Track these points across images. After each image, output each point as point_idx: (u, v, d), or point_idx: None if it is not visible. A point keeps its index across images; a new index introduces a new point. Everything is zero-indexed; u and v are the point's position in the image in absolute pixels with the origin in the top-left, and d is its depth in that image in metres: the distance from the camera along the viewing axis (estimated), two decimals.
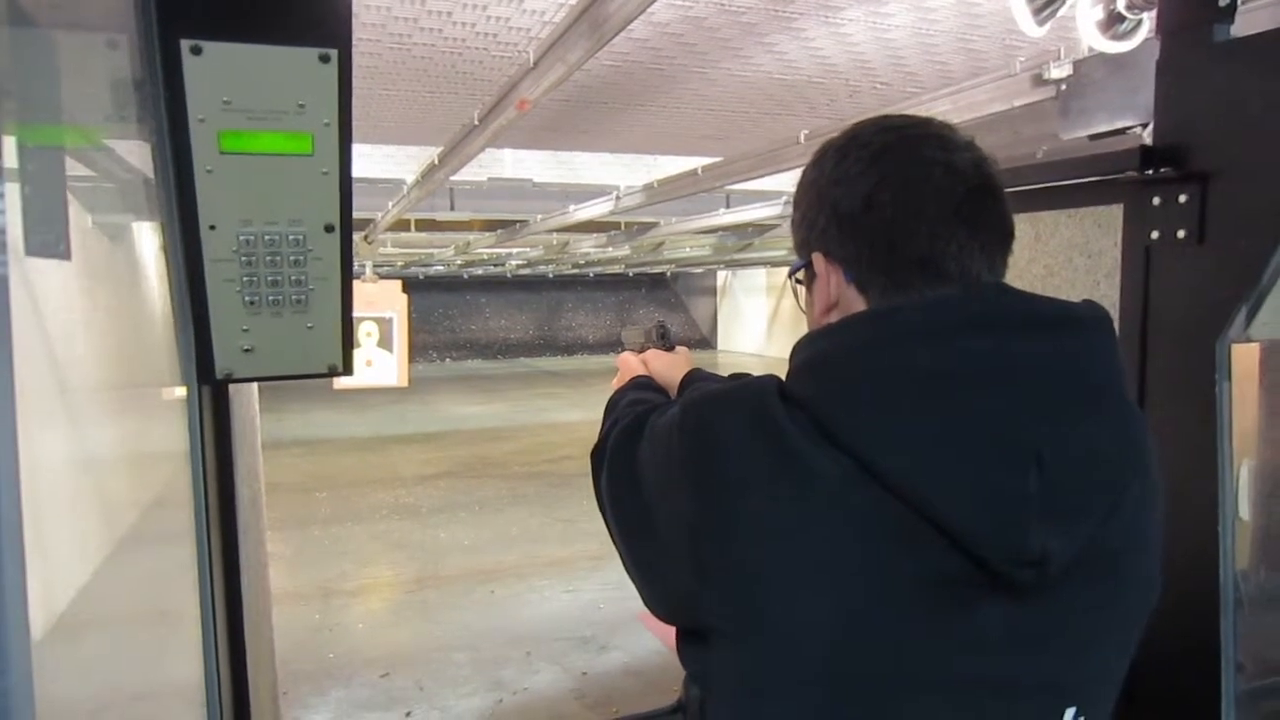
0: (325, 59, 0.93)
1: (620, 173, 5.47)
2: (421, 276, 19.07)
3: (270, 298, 1.00)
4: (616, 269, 19.17)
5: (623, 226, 8.60)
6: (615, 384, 1.28)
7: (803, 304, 0.89)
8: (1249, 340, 1.16)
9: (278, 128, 0.94)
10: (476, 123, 3.29)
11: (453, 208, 6.30)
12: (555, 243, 10.07)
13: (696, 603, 0.74)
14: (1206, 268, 1.15)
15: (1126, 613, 0.77)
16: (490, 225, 8.30)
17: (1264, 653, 1.41)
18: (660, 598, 0.82)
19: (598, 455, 0.94)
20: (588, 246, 10.28)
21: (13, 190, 0.59)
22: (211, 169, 0.93)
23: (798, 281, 0.88)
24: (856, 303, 0.79)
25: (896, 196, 0.75)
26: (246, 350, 1.02)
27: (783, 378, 0.76)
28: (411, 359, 7.66)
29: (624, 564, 0.88)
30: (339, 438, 11.45)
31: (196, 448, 1.06)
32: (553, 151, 5.19)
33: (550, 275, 21.58)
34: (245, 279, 0.99)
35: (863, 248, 0.77)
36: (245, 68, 0.91)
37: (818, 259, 0.81)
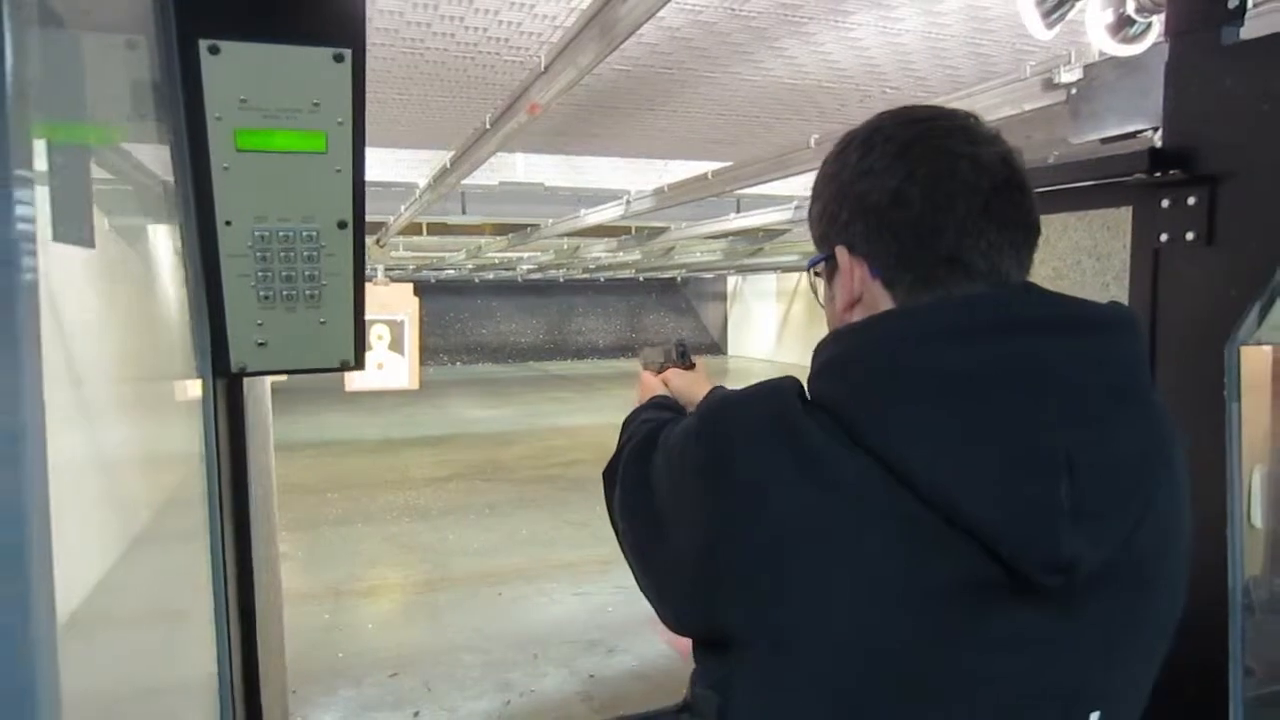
0: (339, 59, 0.95)
1: (631, 177, 5.47)
2: (434, 280, 19.13)
3: (284, 293, 1.02)
4: (627, 274, 19.18)
5: (633, 231, 8.61)
6: (635, 404, 1.26)
7: (821, 299, 0.86)
8: (1259, 344, 1.16)
9: (292, 126, 0.95)
10: (488, 126, 3.31)
11: (464, 211, 6.30)
12: (566, 247, 10.09)
13: (713, 613, 0.72)
14: (1216, 270, 1.14)
15: (1156, 617, 0.75)
16: (501, 229, 8.33)
17: (1275, 657, 1.40)
18: (676, 613, 0.80)
19: (610, 474, 0.92)
20: (598, 251, 10.29)
21: (42, 192, 0.60)
22: (228, 166, 0.95)
23: (816, 274, 0.86)
24: (882, 298, 0.77)
25: (925, 192, 0.73)
26: (260, 344, 1.04)
27: (803, 380, 0.75)
28: (423, 362, 7.67)
29: (637, 581, 0.86)
30: (351, 440, 11.47)
31: (211, 442, 1.07)
32: (564, 155, 5.19)
33: (561, 280, 21.60)
34: (260, 274, 1.00)
35: (890, 243, 0.75)
36: (261, 67, 0.93)
37: (841, 253, 0.79)
